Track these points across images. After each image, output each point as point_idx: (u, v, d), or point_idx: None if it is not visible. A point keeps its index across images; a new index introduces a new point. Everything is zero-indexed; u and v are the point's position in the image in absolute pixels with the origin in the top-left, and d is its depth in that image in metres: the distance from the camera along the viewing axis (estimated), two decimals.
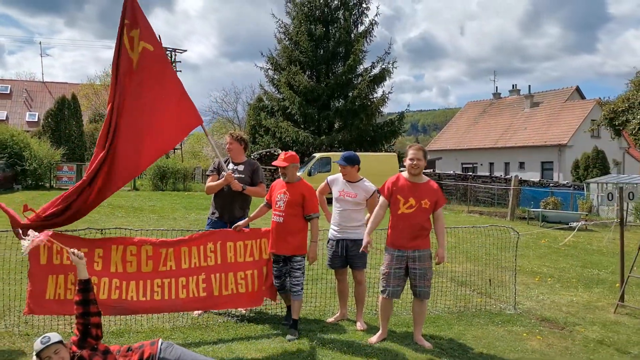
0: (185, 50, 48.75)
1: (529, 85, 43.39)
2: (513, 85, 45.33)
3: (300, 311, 5.00)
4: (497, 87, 48.38)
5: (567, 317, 5.71)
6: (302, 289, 4.86)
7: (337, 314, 5.35)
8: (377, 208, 4.81)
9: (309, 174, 20.57)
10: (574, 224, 9.27)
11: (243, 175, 5.43)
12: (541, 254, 10.08)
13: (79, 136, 33.93)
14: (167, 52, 43.84)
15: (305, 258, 4.94)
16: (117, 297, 4.80)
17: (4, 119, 41.81)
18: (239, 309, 5.46)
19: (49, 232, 4.22)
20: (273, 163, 4.94)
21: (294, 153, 4.99)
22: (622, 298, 6.19)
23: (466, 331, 5.07)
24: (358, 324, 5.10)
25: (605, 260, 9.60)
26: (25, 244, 3.84)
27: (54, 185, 25.68)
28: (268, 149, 25.13)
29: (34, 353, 3.34)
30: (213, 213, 5.60)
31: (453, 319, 5.47)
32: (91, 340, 3.63)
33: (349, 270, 5.27)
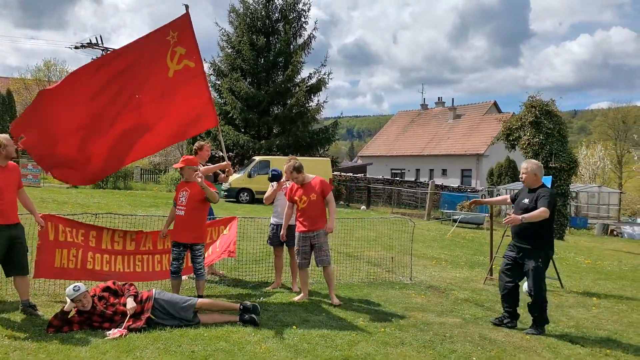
0: None
1: (452, 98, 46.94)
2: (439, 98, 48.82)
3: (249, 279, 6.61)
4: (424, 99, 51.70)
5: (447, 286, 7.69)
6: (204, 271, 5.90)
7: (274, 284, 6.99)
8: (287, 209, 6.53)
9: (249, 176, 22.07)
10: (455, 217, 11.39)
11: (210, 174, 7.11)
12: (444, 245, 12.23)
13: None
14: (103, 53, 43.73)
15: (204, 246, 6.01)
16: (108, 269, 6.25)
17: None
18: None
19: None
20: (174, 166, 6.22)
21: (190, 157, 6.02)
22: (490, 272, 8.29)
23: (372, 292, 6.90)
24: (294, 287, 6.79)
25: (500, 252, 11.81)
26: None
27: None
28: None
29: (69, 298, 4.79)
30: None
31: (364, 286, 7.29)
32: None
33: (285, 248, 6.96)
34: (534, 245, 5.56)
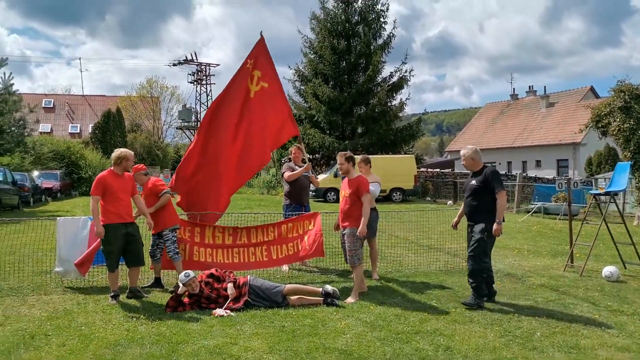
0: (218, 65, 51.85)
1: (545, 86, 45.02)
2: (530, 87, 46.90)
3: (333, 268, 7.30)
4: (514, 89, 49.84)
5: (525, 273, 7.91)
6: (178, 255, 6.76)
7: None
8: None
9: (335, 176, 22.89)
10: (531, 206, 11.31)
11: (307, 173, 8.14)
12: (528, 237, 12.21)
13: (123, 146, 36.78)
14: (203, 67, 46.86)
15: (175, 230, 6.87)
16: (210, 260, 7.22)
17: (49, 131, 44.80)
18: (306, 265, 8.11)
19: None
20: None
21: (137, 165, 6.80)
22: (571, 259, 8.37)
23: (448, 279, 7.33)
24: (374, 275, 7.39)
25: (581, 240, 11.63)
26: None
27: None
28: None
29: (181, 283, 5.73)
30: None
31: (440, 274, 7.72)
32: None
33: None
34: (479, 220, 6.01)
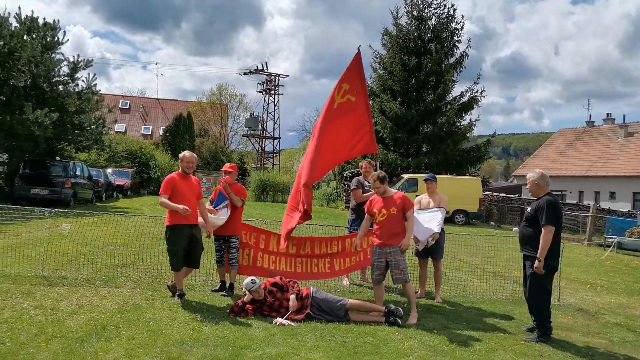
0: (287, 76, 52.93)
1: (624, 115, 42.40)
2: (607, 114, 44.73)
3: (395, 287, 7.18)
4: (590, 115, 47.42)
5: (599, 310, 7.46)
6: (236, 261, 6.85)
7: (418, 293, 7.42)
8: (364, 221, 6.62)
9: None
10: (610, 241, 10.64)
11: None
12: (601, 271, 11.54)
13: (191, 149, 38.03)
14: (272, 78, 47.99)
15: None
16: (274, 267, 7.27)
17: (123, 131, 46.86)
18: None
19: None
20: (222, 168, 7.12)
21: (234, 164, 7.16)
22: None
23: (515, 310, 7.01)
24: (437, 298, 7.20)
25: None
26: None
27: None
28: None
29: (246, 289, 5.80)
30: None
31: (508, 304, 7.40)
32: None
33: (430, 260, 7.41)
34: (528, 249, 5.68)
